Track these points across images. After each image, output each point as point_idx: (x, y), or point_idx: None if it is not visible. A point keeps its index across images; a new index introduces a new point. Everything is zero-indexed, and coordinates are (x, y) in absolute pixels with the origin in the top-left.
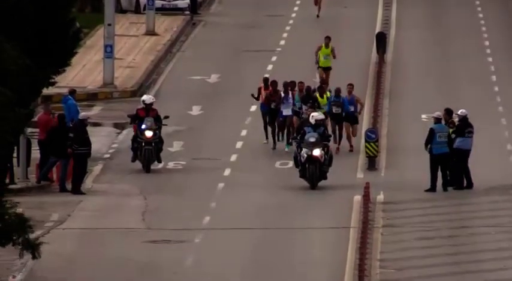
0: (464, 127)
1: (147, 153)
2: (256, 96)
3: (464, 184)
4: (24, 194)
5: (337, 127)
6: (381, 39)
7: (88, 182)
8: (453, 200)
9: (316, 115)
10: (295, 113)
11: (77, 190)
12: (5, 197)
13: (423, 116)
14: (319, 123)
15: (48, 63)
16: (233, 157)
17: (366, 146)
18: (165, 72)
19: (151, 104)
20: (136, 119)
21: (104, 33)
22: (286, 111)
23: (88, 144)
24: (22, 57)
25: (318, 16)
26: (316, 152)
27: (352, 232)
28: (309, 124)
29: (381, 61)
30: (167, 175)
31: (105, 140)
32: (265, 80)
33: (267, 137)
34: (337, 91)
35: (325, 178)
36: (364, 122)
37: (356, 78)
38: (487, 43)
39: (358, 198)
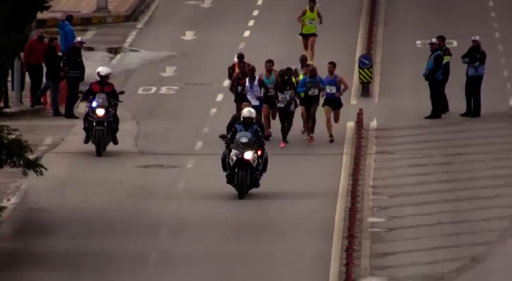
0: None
1: (97, 134)
2: (229, 76)
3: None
4: (18, 118)
5: (310, 111)
6: None
7: (82, 107)
8: (447, 127)
9: (245, 111)
10: (266, 100)
11: (70, 114)
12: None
13: (418, 42)
14: (250, 121)
15: None
16: (226, 82)
17: (359, 72)
18: None
19: (107, 77)
20: (89, 95)
21: None
22: (254, 101)
23: (81, 68)
24: None
25: None
26: (248, 155)
27: (345, 158)
28: (240, 121)
29: None
30: (160, 100)
31: (99, 64)
32: (240, 56)
33: None
34: (312, 71)
35: (257, 186)
36: (358, 49)
37: (350, 5)
38: None
39: (351, 124)
